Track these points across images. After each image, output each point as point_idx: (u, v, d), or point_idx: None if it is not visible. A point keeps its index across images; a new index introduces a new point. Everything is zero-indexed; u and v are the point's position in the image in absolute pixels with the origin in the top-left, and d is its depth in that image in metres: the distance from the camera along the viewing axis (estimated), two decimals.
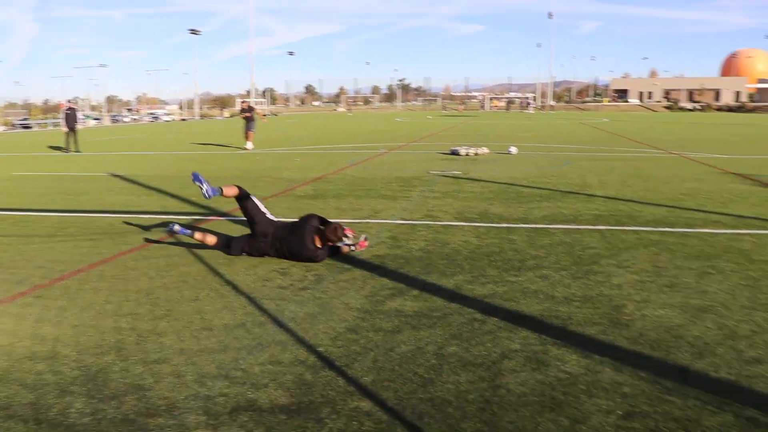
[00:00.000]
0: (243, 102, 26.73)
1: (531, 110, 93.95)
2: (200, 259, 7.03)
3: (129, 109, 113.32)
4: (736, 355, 4.29)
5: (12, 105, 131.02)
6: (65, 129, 25.10)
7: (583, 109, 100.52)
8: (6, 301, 5.62)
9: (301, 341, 4.59)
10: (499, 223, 8.81)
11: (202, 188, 7.06)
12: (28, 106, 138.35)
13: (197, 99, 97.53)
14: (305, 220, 6.98)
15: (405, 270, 6.48)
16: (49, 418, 3.51)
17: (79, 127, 26.29)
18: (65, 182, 14.59)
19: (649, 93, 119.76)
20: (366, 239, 7.18)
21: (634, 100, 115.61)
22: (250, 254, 7.02)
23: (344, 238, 6.88)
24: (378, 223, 8.93)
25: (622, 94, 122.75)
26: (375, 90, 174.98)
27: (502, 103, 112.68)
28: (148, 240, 7.98)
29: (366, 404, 3.63)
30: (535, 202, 10.66)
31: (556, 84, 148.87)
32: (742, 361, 4.18)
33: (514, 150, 20.67)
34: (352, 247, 7.01)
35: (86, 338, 4.70)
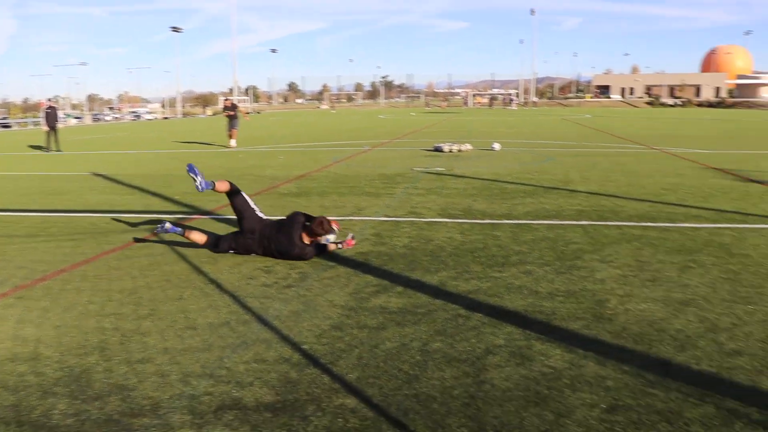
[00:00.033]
0: (226, 100, 26.52)
1: (514, 107, 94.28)
2: (184, 257, 7.00)
3: (110, 108, 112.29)
4: (717, 347, 4.34)
5: None
6: (46, 128, 24.85)
7: (565, 105, 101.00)
8: None
9: (285, 339, 4.58)
10: (483, 220, 8.84)
11: (195, 180, 7.07)
12: (7, 105, 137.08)
13: (179, 97, 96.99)
14: (291, 217, 6.97)
15: (389, 267, 6.49)
16: (32, 420, 3.49)
17: (59, 125, 26.07)
18: (46, 182, 14.45)
19: (631, 89, 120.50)
20: (353, 237, 7.18)
21: (616, 96, 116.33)
22: (236, 251, 7.00)
23: (331, 233, 6.88)
24: (362, 220, 8.93)
25: (604, 90, 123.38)
26: (358, 87, 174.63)
27: (486, 100, 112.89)
28: (137, 239, 7.92)
29: (351, 401, 3.63)
30: (519, 198, 10.70)
31: (539, 80, 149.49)
32: (723, 354, 4.22)
33: (497, 146, 20.72)
34: (339, 245, 7.01)
35: (69, 339, 4.66)
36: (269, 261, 6.77)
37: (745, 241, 7.42)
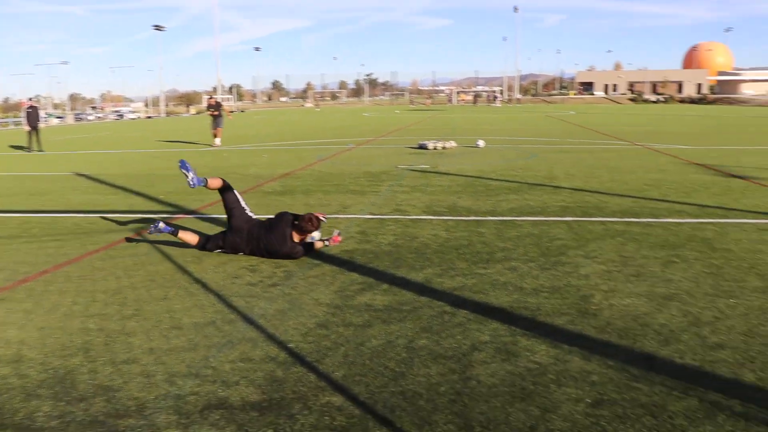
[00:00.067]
0: (210, 98, 26.37)
1: (498, 104, 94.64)
2: (168, 257, 6.97)
3: (93, 107, 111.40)
4: (700, 341, 4.38)
5: None
6: (27, 128, 24.61)
7: (549, 102, 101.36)
8: None
9: (271, 338, 4.57)
10: (468, 216, 8.87)
11: (187, 176, 7.04)
12: None
13: (163, 96, 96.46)
14: (280, 216, 6.95)
15: (374, 264, 6.49)
16: (15, 423, 3.46)
17: (41, 125, 25.83)
18: (28, 182, 14.33)
19: (614, 85, 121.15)
20: (339, 234, 7.17)
21: (599, 93, 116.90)
22: (223, 249, 6.98)
23: (317, 232, 6.87)
24: (347, 218, 8.93)
25: (587, 86, 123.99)
26: (342, 85, 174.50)
27: (470, 97, 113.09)
28: (129, 239, 7.86)
29: (337, 399, 3.63)
30: (503, 194, 10.74)
31: (523, 77, 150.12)
32: (705, 347, 4.26)
33: (481, 143, 20.79)
34: (326, 242, 7.00)
35: (53, 340, 4.63)
36: (254, 260, 6.76)
37: (727, 235, 7.49)
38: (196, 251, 7.12)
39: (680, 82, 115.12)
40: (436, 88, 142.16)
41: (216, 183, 7.13)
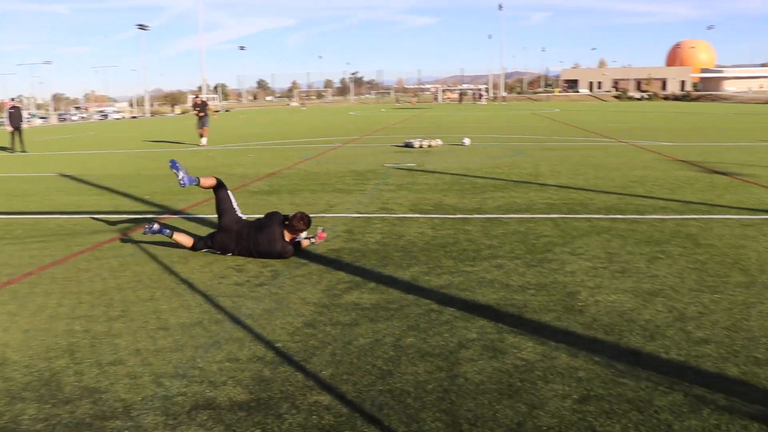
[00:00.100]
0: (196, 98, 26.25)
1: (483, 102, 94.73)
2: (154, 258, 6.93)
3: (77, 107, 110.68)
4: (685, 336, 4.41)
5: None
6: (10, 128, 24.41)
7: (534, 100, 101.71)
8: None
9: (258, 337, 4.57)
10: (454, 214, 8.88)
11: (178, 175, 7.04)
12: None
13: (147, 96, 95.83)
14: (270, 216, 6.94)
15: (361, 263, 6.49)
16: (0, 426, 3.43)
17: (24, 126, 25.60)
18: (11, 183, 14.21)
19: (599, 83, 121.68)
20: (323, 230, 7.16)
21: (584, 90, 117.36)
22: (212, 249, 6.95)
23: (304, 231, 6.88)
24: (333, 217, 8.92)
25: (572, 84, 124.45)
26: (328, 84, 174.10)
27: (455, 95, 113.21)
28: (123, 239, 7.82)
29: (325, 398, 3.63)
30: (489, 192, 10.77)
31: (508, 75, 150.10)
32: (690, 342, 4.30)
33: (467, 141, 20.84)
34: (312, 240, 6.99)
35: (38, 342, 4.59)
36: (241, 260, 6.74)
37: (711, 231, 7.55)
38: (182, 252, 7.09)
39: (664, 79, 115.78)
40: (422, 87, 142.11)
41: (209, 182, 7.12)
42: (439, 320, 4.82)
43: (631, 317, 4.80)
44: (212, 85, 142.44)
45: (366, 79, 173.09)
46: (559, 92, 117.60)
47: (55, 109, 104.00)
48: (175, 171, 7.06)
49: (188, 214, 9.51)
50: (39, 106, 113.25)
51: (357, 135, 27.17)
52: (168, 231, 7.12)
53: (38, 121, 69.14)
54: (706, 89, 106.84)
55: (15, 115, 24.64)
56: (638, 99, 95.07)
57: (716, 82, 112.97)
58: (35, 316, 5.14)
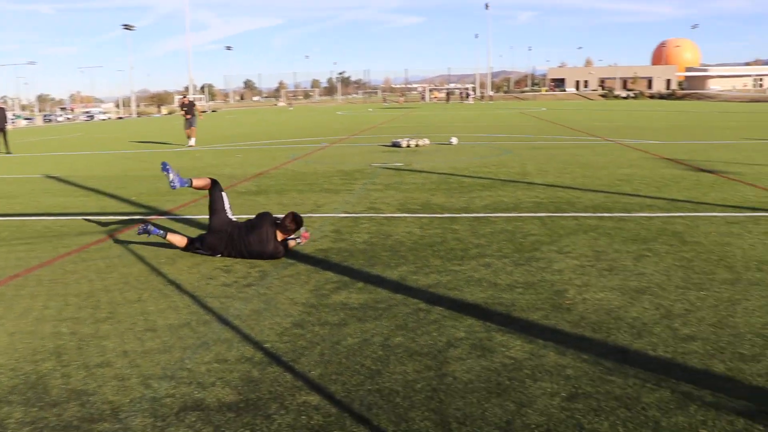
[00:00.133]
0: (184, 98, 26.11)
1: (471, 101, 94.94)
2: (141, 259, 6.90)
3: (63, 108, 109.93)
4: (672, 333, 4.44)
5: None
6: None
7: (521, 99, 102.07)
8: None
9: (247, 338, 4.56)
10: (442, 214, 8.90)
11: (168, 177, 7.08)
12: None
13: (134, 96, 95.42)
14: (262, 217, 6.92)
15: (349, 263, 6.49)
16: None
17: (9, 127, 25.39)
18: None
19: (585, 82, 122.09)
20: (307, 230, 7.15)
21: (571, 89, 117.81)
22: (201, 250, 6.92)
23: (296, 231, 6.88)
24: (321, 217, 8.92)
25: (559, 83, 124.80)
26: (315, 84, 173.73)
27: (443, 95, 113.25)
28: (112, 242, 7.77)
29: (314, 398, 3.63)
30: (477, 191, 10.79)
31: (495, 74, 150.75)
32: (677, 339, 4.33)
33: (454, 140, 20.88)
34: (298, 240, 6.99)
35: (24, 345, 4.56)
36: (228, 260, 6.72)
37: (697, 229, 7.60)
38: (169, 253, 7.07)
39: (650, 78, 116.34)
40: (409, 86, 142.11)
41: (202, 182, 7.14)
42: (427, 319, 4.83)
43: (618, 315, 4.82)
44: (199, 85, 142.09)
45: (353, 78, 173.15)
46: (546, 91, 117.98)
47: (40, 110, 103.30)
48: (165, 173, 7.07)
49: (175, 215, 9.47)
50: (24, 107, 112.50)
51: (344, 135, 27.15)
52: (162, 232, 7.10)
53: (23, 122, 68.61)
54: (691, 88, 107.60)
55: None
56: (624, 98, 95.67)
57: (701, 80, 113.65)
58: (21, 319, 5.10)
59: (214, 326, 4.82)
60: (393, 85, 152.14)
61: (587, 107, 61.87)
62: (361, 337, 4.52)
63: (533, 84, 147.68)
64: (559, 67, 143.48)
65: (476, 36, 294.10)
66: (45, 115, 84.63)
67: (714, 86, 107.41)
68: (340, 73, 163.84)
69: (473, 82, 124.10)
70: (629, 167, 13.64)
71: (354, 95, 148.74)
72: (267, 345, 4.42)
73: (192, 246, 6.98)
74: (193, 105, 24.11)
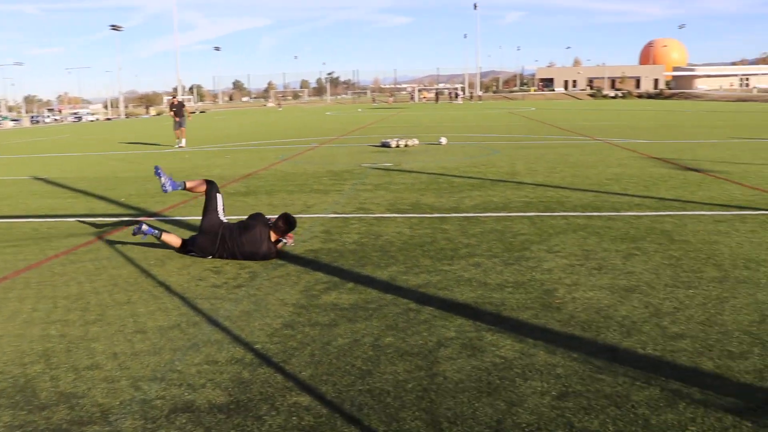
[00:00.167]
0: (173, 98, 26.01)
1: (460, 101, 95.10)
2: (131, 261, 6.87)
3: (50, 110, 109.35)
4: (661, 331, 4.46)
5: None
6: None
7: (510, 99, 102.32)
8: None
9: (237, 339, 4.55)
10: (431, 213, 8.91)
11: (160, 181, 7.17)
12: None
13: (122, 97, 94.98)
14: (255, 218, 6.91)
15: (339, 263, 6.48)
16: None
17: None
18: None
19: (574, 81, 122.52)
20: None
21: (559, 89, 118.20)
22: (192, 251, 6.90)
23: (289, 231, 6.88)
24: (311, 217, 8.91)
25: (547, 83, 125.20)
26: (304, 84, 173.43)
27: (432, 95, 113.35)
28: (109, 241, 7.73)
29: (305, 399, 3.63)
30: (466, 191, 10.81)
31: (484, 74, 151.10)
32: (666, 337, 4.35)
33: (444, 140, 20.90)
34: (285, 241, 6.98)
35: (12, 348, 4.53)
36: (218, 262, 6.70)
37: (685, 227, 7.64)
38: (159, 254, 7.04)
39: (638, 77, 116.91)
40: (398, 86, 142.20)
41: (196, 184, 7.18)
42: (417, 319, 4.83)
43: (607, 314, 4.84)
44: (188, 86, 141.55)
45: (342, 79, 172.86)
46: (535, 91, 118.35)
47: (28, 111, 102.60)
48: (157, 177, 7.11)
49: (165, 216, 9.44)
50: (10, 108, 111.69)
51: (334, 135, 27.13)
52: (156, 231, 7.08)
53: (10, 124, 68.24)
54: (678, 87, 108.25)
55: None
56: (613, 97, 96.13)
57: (688, 80, 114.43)
58: (9, 322, 5.07)
59: (204, 328, 4.80)
60: (382, 86, 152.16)
61: (576, 107, 62.10)
62: (352, 337, 4.52)
63: (522, 84, 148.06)
64: (548, 66, 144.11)
65: (465, 36, 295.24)
66: (32, 117, 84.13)
67: (701, 86, 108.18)
68: (329, 74, 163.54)
69: (462, 82, 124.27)
70: (618, 166, 13.70)
71: (343, 95, 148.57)
72: (257, 346, 4.41)
73: (185, 247, 6.96)
74: (183, 106, 24.04)
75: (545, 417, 3.34)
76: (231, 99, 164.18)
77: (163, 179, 7.10)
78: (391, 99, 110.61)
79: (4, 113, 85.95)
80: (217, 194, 7.05)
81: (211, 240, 6.76)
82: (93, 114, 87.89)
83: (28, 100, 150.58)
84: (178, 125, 23.40)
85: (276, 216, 7.01)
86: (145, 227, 7.04)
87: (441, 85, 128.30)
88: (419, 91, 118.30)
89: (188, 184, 7.12)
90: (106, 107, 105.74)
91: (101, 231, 8.44)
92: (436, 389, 3.69)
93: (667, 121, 32.40)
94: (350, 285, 5.74)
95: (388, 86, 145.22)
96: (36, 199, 11.80)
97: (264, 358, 4.20)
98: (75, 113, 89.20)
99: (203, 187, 7.12)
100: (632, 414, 3.34)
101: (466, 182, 11.87)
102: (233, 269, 6.40)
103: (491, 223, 8.14)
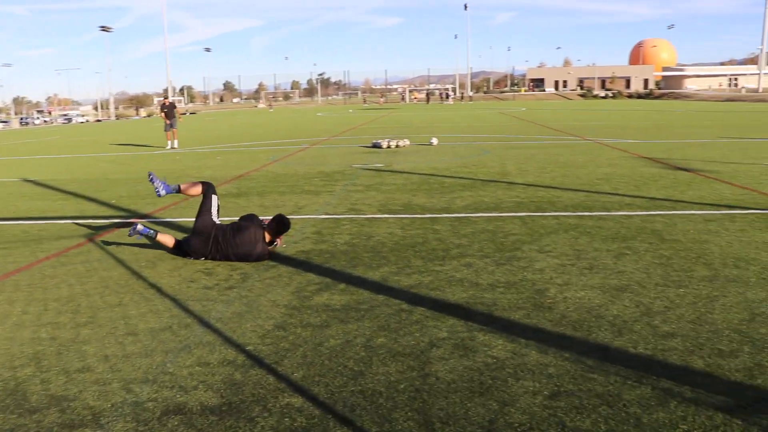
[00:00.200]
0: (165, 99, 25.92)
1: (451, 101, 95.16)
2: (122, 263, 6.85)
3: (40, 111, 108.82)
4: (652, 330, 4.48)
5: None
6: None
7: (501, 99, 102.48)
8: None
9: (229, 341, 4.54)
10: (423, 214, 8.91)
11: (153, 185, 7.27)
12: None
13: (112, 99, 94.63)
14: (249, 219, 6.90)
15: (331, 264, 6.48)
16: None
17: None
18: None
19: (564, 82, 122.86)
20: None
21: (550, 89, 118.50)
22: (186, 253, 6.87)
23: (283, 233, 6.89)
24: (302, 218, 8.90)
25: (538, 83, 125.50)
26: (295, 85, 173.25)
27: (422, 95, 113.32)
28: (105, 242, 7.70)
29: (297, 400, 3.62)
30: (457, 191, 10.83)
31: (474, 75, 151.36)
32: (657, 336, 4.37)
33: (435, 141, 20.93)
34: (276, 243, 6.97)
35: (2, 351, 4.51)
36: (210, 263, 6.69)
37: (675, 226, 7.68)
38: (150, 256, 7.02)
39: (628, 77, 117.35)
40: (389, 87, 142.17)
41: (191, 188, 7.20)
42: (409, 320, 4.83)
43: (599, 313, 4.86)
44: (178, 87, 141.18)
45: (333, 80, 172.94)
46: (526, 91, 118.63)
47: (17, 113, 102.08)
48: (151, 182, 7.19)
49: (155, 217, 9.41)
50: None
51: (325, 136, 27.12)
52: (152, 232, 7.06)
53: None
54: (668, 87, 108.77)
55: None
56: (603, 97, 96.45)
57: (678, 80, 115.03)
58: None
59: (196, 329, 4.79)
60: (373, 86, 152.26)
61: (566, 107, 62.27)
62: (344, 338, 4.52)
63: (513, 84, 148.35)
64: (538, 67, 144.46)
65: (456, 36, 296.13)
66: (21, 118, 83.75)
67: (690, 86, 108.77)
68: (320, 75, 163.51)
69: (453, 83, 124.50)
70: (608, 166, 13.75)
71: (334, 96, 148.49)
72: (249, 348, 4.40)
73: (180, 248, 6.94)
74: (174, 107, 23.96)
75: (537, 417, 3.35)
76: (222, 100, 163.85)
77: (156, 183, 7.15)
78: (383, 100, 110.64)
79: None
80: (213, 195, 7.04)
81: (203, 241, 6.75)
82: (83, 115, 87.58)
83: (18, 101, 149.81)
84: (169, 126, 23.33)
85: (269, 217, 7.01)
86: (140, 227, 7.03)
87: (432, 86, 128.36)
88: (410, 91, 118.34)
89: (183, 187, 7.12)
90: (96, 109, 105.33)
91: (92, 233, 8.40)
92: (428, 390, 3.69)
93: (657, 121, 32.55)
94: (342, 286, 5.74)
95: (379, 87, 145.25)
96: (26, 201, 11.74)
97: (256, 360, 4.20)
98: (65, 115, 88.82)
99: (198, 190, 7.11)
100: (624, 413, 3.36)
101: (458, 183, 11.89)
102: (225, 271, 6.38)
103: (482, 224, 8.15)
